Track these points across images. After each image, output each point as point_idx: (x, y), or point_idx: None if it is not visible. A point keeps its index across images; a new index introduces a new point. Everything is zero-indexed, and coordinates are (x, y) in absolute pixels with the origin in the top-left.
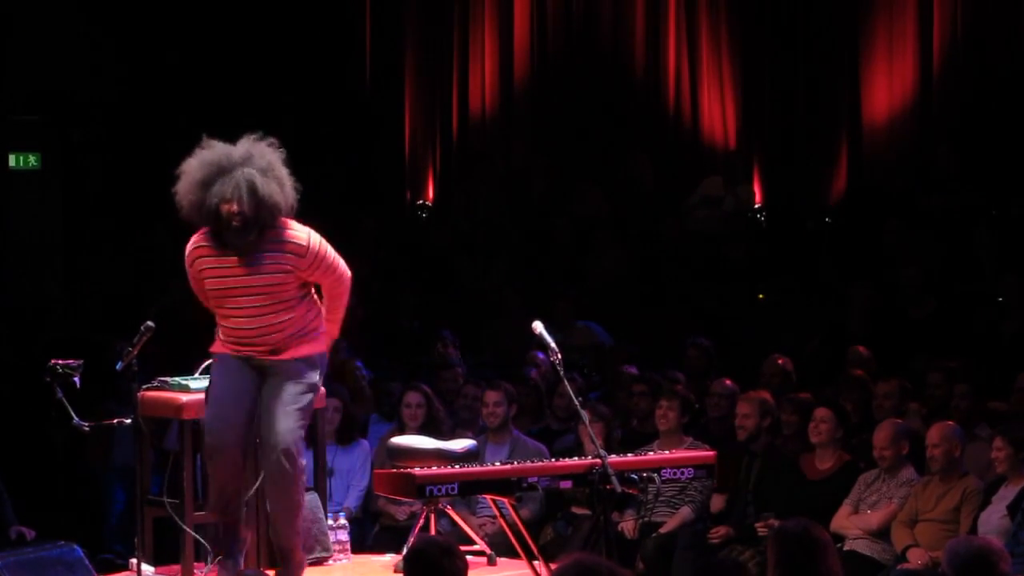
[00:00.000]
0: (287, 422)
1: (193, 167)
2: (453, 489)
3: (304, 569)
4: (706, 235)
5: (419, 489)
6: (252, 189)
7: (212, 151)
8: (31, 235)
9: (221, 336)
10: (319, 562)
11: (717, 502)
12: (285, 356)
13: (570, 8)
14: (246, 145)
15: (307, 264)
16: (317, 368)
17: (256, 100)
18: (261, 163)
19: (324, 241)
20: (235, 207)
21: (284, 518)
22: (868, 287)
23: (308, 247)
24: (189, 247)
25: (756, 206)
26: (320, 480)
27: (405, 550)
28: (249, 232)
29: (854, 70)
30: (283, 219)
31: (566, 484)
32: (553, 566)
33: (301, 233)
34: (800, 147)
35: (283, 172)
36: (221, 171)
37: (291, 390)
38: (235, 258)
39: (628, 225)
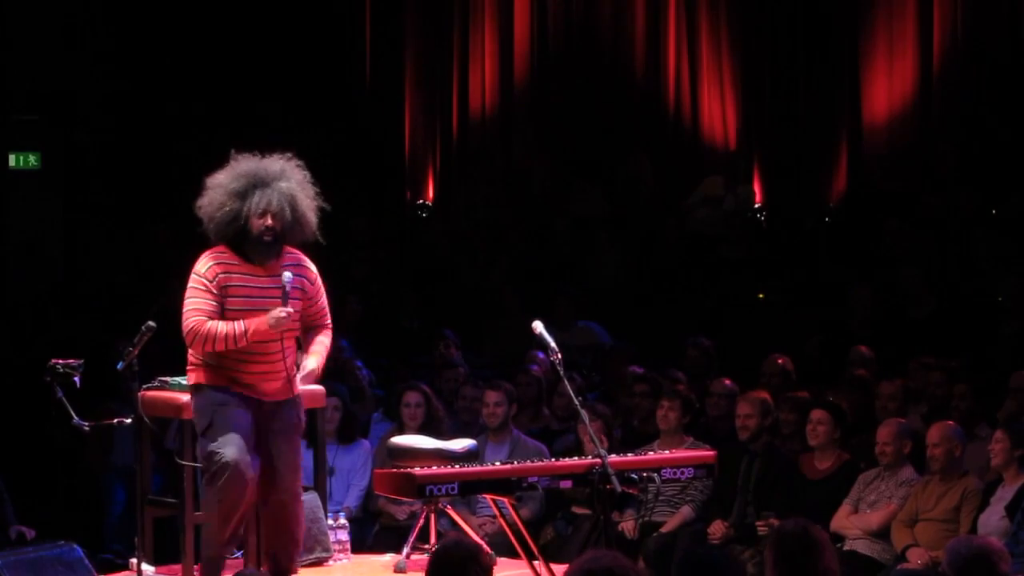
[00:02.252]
0: (297, 478)
1: (224, 179)
2: (453, 489)
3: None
4: (706, 235)
5: (419, 489)
6: (293, 203)
7: (246, 164)
8: (31, 235)
9: (230, 372)
10: (319, 562)
11: None
12: (288, 396)
13: (570, 8)
14: (280, 162)
15: (313, 293)
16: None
17: (256, 100)
18: (296, 179)
19: None
20: (270, 220)
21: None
22: (868, 287)
23: (316, 275)
24: (208, 263)
25: (756, 206)
26: (320, 480)
27: (406, 549)
28: (276, 248)
29: (854, 70)
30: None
31: (566, 484)
32: (553, 566)
33: (308, 260)
34: (800, 147)
35: (312, 193)
36: (259, 183)
37: (295, 443)
38: (265, 277)
39: (628, 225)
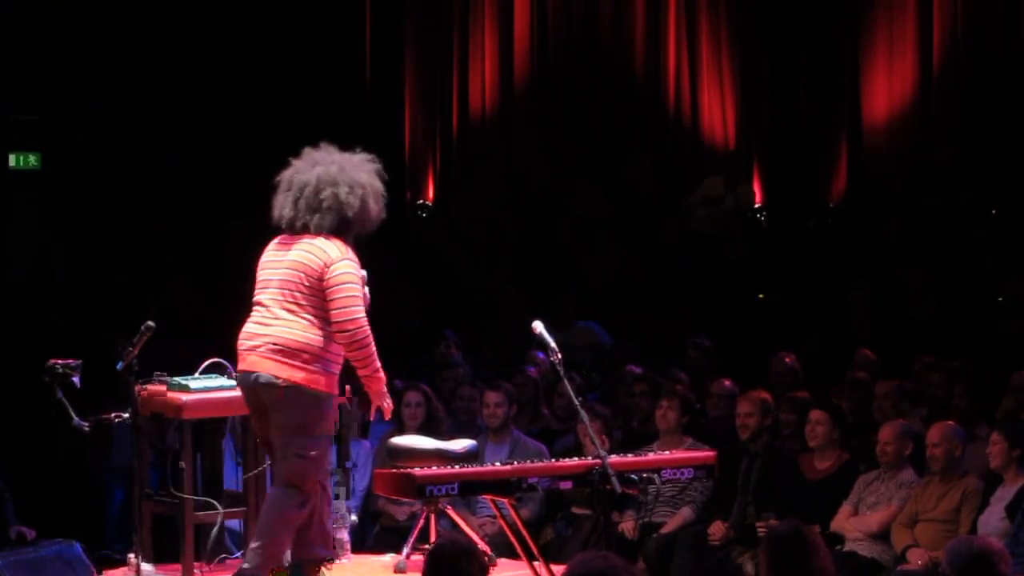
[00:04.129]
0: None
1: (371, 174)
2: (453, 489)
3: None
4: (706, 235)
5: (419, 489)
6: None
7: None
8: (31, 235)
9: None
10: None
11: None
12: None
13: (570, 8)
14: None
15: None
16: None
17: (256, 100)
18: None
19: None
20: None
21: None
22: (868, 287)
23: None
24: (352, 253)
25: (756, 206)
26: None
27: (406, 550)
28: None
29: (854, 70)
30: None
31: (566, 485)
32: (553, 566)
33: None
34: (800, 147)
35: None
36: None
37: None
38: None
39: (628, 225)
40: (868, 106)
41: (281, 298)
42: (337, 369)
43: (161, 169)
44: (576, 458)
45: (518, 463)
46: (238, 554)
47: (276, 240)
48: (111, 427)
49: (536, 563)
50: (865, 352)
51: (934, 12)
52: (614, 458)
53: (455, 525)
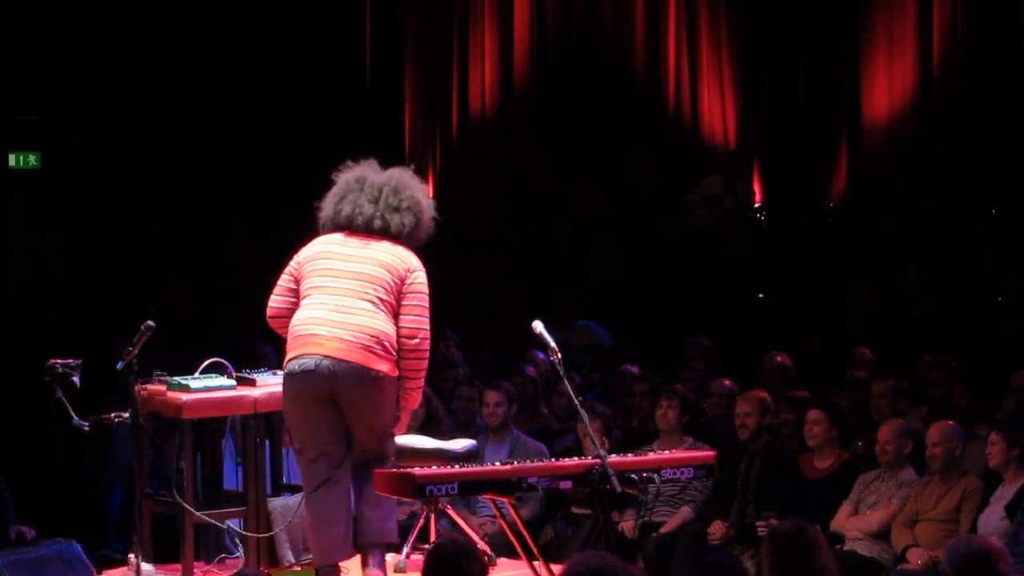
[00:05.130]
0: None
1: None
2: (453, 489)
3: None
4: (706, 235)
5: (419, 489)
6: None
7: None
8: (31, 235)
9: None
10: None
11: None
12: None
13: (570, 8)
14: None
15: None
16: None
17: (256, 100)
18: None
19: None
20: None
21: None
22: (868, 287)
23: None
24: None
25: (756, 206)
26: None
27: (406, 549)
28: None
29: (854, 70)
30: None
31: (566, 484)
32: (553, 566)
33: None
34: (800, 147)
35: None
36: None
37: None
38: None
39: (628, 225)
40: (868, 106)
41: (360, 289)
42: None
43: (161, 169)
44: (576, 458)
45: (518, 463)
46: (238, 554)
47: (339, 234)
48: (111, 427)
49: (536, 563)
50: (864, 351)
51: (934, 12)
52: (614, 458)
53: (455, 525)
